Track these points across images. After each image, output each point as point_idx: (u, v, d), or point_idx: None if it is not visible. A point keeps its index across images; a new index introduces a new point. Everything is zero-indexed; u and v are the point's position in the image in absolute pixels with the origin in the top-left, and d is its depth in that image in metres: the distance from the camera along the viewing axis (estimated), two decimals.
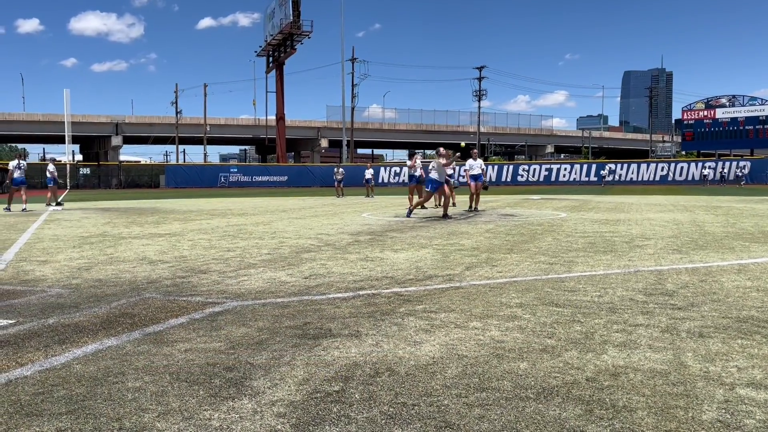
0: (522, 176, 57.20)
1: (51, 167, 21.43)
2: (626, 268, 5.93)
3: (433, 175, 12.93)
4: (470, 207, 15.68)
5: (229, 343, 3.34)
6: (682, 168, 54.12)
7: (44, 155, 76.81)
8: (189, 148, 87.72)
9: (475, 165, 15.91)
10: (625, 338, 3.40)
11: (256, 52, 67.15)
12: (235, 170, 58.89)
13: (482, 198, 20.27)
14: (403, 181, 55.36)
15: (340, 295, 4.69)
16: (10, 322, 3.86)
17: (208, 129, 70.03)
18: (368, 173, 29.07)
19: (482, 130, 78.19)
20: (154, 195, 34.00)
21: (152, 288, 5.04)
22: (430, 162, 18.23)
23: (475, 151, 16.65)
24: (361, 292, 4.77)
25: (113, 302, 4.47)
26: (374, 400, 2.51)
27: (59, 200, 21.01)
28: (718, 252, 7.08)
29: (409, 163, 18.19)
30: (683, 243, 7.96)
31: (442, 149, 13.54)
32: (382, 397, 2.55)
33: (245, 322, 3.82)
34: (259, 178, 57.05)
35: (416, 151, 22.48)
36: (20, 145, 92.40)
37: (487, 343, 3.32)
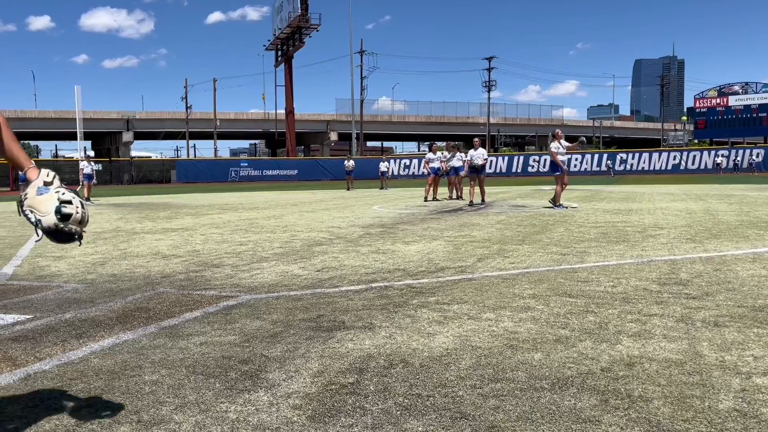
0: (533, 167, 56.87)
1: (84, 164, 22.02)
2: (639, 257, 5.90)
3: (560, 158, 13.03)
4: (470, 201, 15.01)
5: (243, 336, 3.37)
6: (694, 157, 53.57)
7: (56, 152, 77.32)
8: (199, 143, 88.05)
9: (476, 155, 15.18)
10: (639, 328, 3.39)
11: (264, 46, 67.23)
12: (246, 164, 59.01)
13: (492, 190, 20.20)
14: (413, 173, 55.39)
15: (352, 287, 4.71)
16: (28, 317, 3.91)
17: (218, 124, 70.22)
18: (383, 166, 29.81)
19: (492, 121, 77.78)
20: (165, 190, 34.18)
21: (166, 282, 5.08)
22: (450, 153, 18.08)
23: (477, 140, 15.76)
24: (373, 285, 4.78)
25: (128, 297, 4.51)
26: (389, 391, 2.52)
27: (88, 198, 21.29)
28: (732, 241, 7.02)
29: (431, 155, 18.05)
30: (697, 232, 7.90)
31: (558, 131, 13.56)
32: (396, 388, 2.55)
33: (259, 316, 3.84)
34: (270, 172, 57.15)
35: (436, 142, 22.53)
36: (33, 143, 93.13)
37: (501, 334, 3.32)
